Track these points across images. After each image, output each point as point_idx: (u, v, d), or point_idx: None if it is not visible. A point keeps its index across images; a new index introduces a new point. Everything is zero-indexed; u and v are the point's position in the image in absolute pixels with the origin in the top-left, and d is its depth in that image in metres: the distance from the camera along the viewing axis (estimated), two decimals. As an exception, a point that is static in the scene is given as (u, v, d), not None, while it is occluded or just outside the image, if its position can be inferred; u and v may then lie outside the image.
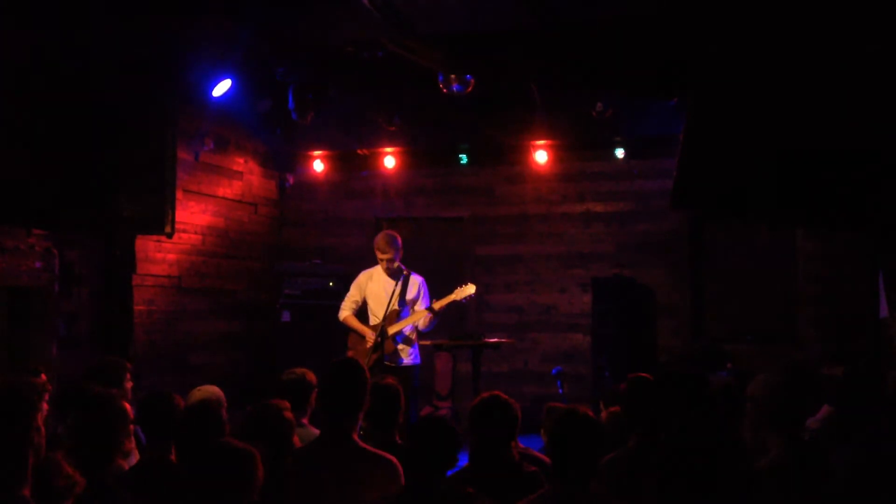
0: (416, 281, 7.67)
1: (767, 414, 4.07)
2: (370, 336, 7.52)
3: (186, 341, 9.51)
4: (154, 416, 4.20)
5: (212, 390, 5.05)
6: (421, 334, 7.76)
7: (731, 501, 3.37)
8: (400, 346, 7.52)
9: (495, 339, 8.73)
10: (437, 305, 7.48)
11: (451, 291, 7.60)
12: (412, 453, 3.52)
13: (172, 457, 4.11)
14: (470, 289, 7.60)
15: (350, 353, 7.52)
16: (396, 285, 7.53)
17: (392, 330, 7.46)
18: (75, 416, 4.10)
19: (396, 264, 7.57)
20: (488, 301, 10.59)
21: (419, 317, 7.50)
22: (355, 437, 3.92)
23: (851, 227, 7.31)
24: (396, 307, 7.52)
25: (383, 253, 7.56)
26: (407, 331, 7.57)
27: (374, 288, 7.69)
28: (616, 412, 4.53)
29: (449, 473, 3.63)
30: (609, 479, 3.91)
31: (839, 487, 3.92)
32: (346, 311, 7.80)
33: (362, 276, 7.86)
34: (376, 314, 7.65)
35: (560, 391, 8.98)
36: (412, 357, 7.62)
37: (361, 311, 7.86)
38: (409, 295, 7.60)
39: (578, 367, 9.92)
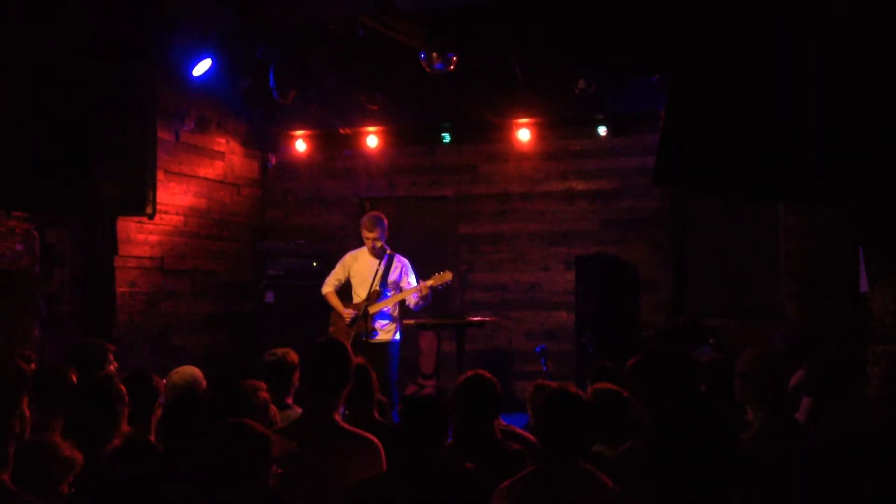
0: (399, 263, 7.78)
1: (752, 388, 4.10)
2: (347, 314, 7.67)
3: (169, 323, 9.48)
4: (133, 396, 4.17)
5: (190, 371, 5.03)
6: (406, 313, 7.84)
7: (722, 476, 3.39)
8: (379, 324, 7.65)
9: (479, 318, 8.74)
10: (424, 289, 7.56)
11: (434, 272, 7.68)
12: (406, 431, 3.51)
13: (152, 437, 4.10)
14: (447, 276, 7.71)
15: (331, 330, 7.77)
16: (380, 266, 7.59)
17: (373, 309, 7.55)
18: (73, 399, 4.08)
19: (381, 244, 7.61)
20: (472, 280, 10.60)
21: (400, 297, 7.64)
22: (337, 417, 3.91)
23: (833, 202, 7.34)
24: (378, 288, 7.64)
25: (369, 231, 7.66)
26: (389, 310, 7.65)
27: (358, 268, 7.83)
28: (602, 389, 4.52)
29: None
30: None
31: (819, 460, 3.95)
32: (328, 287, 7.97)
33: (348, 257, 8.01)
34: (359, 294, 7.80)
35: (544, 369, 9.01)
36: (393, 334, 7.73)
37: (345, 291, 7.95)
38: (392, 276, 7.71)
39: (562, 345, 9.94)
